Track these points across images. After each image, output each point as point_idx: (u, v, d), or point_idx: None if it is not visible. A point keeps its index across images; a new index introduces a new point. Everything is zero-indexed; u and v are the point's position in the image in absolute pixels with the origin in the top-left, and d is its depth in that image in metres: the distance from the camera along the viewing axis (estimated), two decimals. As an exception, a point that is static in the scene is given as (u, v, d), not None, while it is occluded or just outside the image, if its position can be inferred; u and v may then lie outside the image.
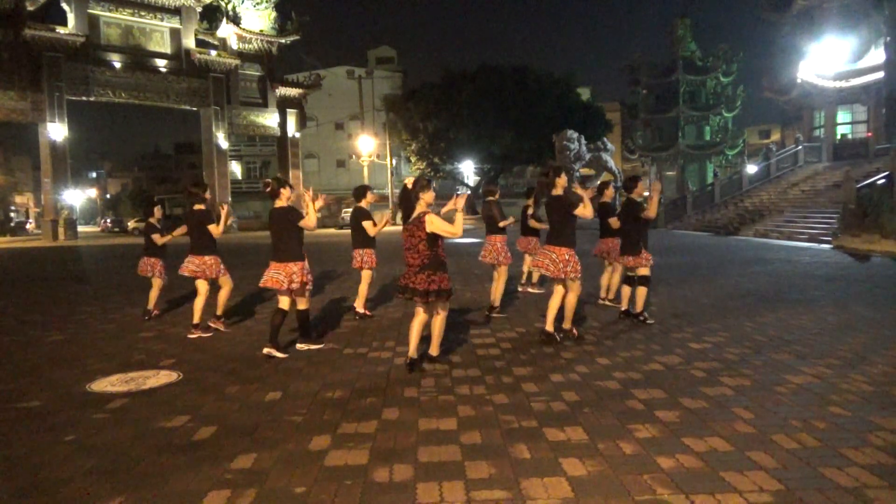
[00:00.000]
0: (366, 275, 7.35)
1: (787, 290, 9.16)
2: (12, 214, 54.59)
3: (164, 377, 4.97)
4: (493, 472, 3.10)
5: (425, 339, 5.18)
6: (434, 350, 5.19)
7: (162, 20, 34.80)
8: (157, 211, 7.84)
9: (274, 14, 39.05)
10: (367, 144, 41.31)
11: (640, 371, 4.90)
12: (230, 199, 37.12)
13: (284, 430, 3.74)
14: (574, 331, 6.00)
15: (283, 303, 5.67)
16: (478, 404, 4.15)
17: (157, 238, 7.48)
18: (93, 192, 75.85)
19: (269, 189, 5.66)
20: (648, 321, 6.75)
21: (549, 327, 5.91)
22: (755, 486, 2.89)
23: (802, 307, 7.70)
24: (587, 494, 2.85)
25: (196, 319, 6.54)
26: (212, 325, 6.74)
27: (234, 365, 5.33)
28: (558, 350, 5.63)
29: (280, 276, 5.52)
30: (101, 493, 2.96)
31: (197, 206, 6.57)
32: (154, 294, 7.62)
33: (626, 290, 6.94)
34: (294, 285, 5.54)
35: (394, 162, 46.70)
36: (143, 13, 34.16)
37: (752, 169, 31.48)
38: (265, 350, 5.54)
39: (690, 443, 3.42)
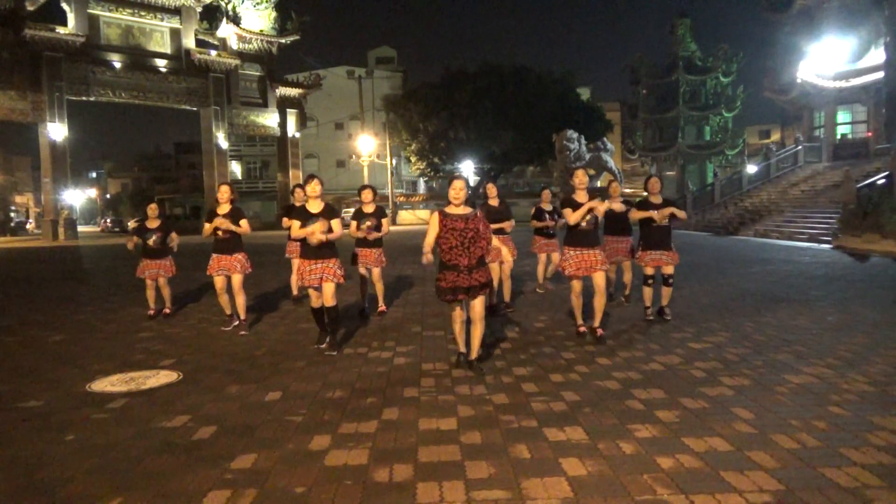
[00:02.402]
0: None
1: (787, 290, 9.16)
2: (12, 214, 54.59)
3: (164, 377, 4.97)
4: (493, 472, 3.10)
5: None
6: (472, 353, 4.98)
7: (162, 20, 34.78)
8: (151, 210, 7.62)
9: (274, 14, 39.02)
10: (367, 144, 41.31)
11: (640, 371, 4.90)
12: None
13: (284, 430, 3.74)
14: (599, 331, 5.91)
15: (325, 294, 5.64)
16: (478, 404, 4.15)
17: (151, 243, 7.45)
18: (93, 192, 75.91)
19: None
20: (648, 317, 6.92)
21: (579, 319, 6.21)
22: (755, 486, 2.89)
23: (802, 307, 7.70)
24: (587, 494, 2.85)
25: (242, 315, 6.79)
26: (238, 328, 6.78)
27: (234, 365, 5.33)
28: (558, 350, 5.64)
29: None
30: (101, 493, 2.96)
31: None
32: (166, 293, 7.68)
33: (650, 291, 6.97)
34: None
35: (394, 162, 46.67)
36: (143, 13, 34.13)
37: (752, 169, 31.48)
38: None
39: (690, 443, 3.42)
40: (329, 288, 5.55)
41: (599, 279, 5.78)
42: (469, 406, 4.11)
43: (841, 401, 4.09)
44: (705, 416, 3.84)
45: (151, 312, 7.63)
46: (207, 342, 6.28)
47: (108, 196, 78.06)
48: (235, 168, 55.44)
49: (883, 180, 18.41)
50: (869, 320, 6.84)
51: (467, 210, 4.84)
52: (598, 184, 31.13)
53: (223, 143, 37.35)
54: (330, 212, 5.60)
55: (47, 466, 3.28)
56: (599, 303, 5.84)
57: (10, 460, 3.38)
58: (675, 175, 44.70)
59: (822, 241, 18.54)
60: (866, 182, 18.81)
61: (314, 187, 5.58)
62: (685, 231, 27.04)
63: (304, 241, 5.52)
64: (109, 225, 54.15)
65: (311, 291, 5.64)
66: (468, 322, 4.97)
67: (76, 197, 45.96)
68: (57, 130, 31.04)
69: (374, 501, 2.83)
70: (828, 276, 10.99)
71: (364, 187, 7.50)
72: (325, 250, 5.50)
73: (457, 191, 4.78)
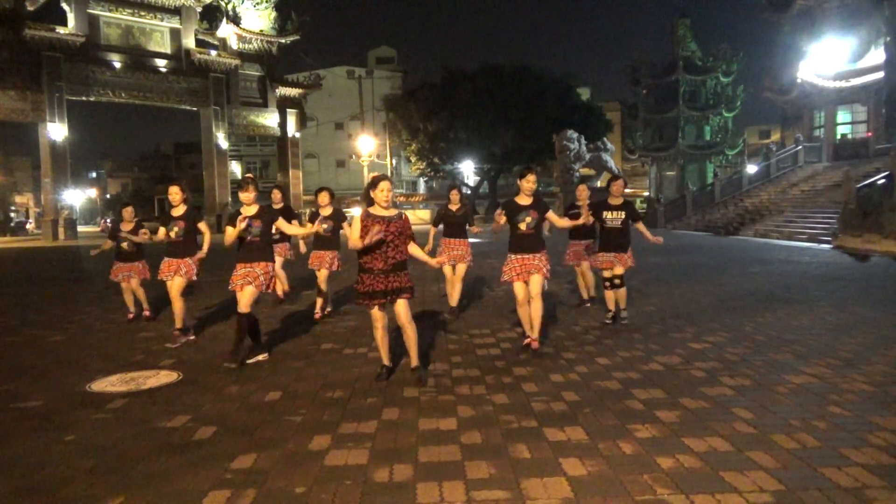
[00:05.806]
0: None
1: (787, 290, 9.16)
2: (12, 214, 54.54)
3: (164, 377, 4.97)
4: (493, 472, 3.10)
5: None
6: (412, 360, 4.83)
7: (162, 20, 34.76)
8: (127, 212, 7.42)
9: (274, 14, 38.98)
10: (367, 144, 41.27)
11: (640, 371, 4.90)
12: (230, 199, 37.11)
13: (284, 430, 3.74)
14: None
15: (240, 299, 5.32)
16: (478, 404, 4.15)
17: (125, 246, 7.39)
18: (93, 192, 75.77)
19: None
20: (606, 320, 6.78)
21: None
22: (755, 486, 2.89)
23: (802, 307, 7.70)
24: (587, 494, 2.85)
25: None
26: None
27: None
28: (558, 350, 5.64)
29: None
30: (101, 493, 2.96)
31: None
32: (140, 295, 7.50)
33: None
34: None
35: (394, 162, 46.72)
36: (143, 13, 34.10)
37: (752, 169, 31.52)
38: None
39: (690, 443, 3.42)
40: (246, 292, 5.22)
41: (534, 283, 5.34)
42: (469, 406, 4.11)
43: (841, 401, 4.09)
44: (705, 416, 3.84)
45: (131, 316, 7.50)
46: (207, 342, 6.27)
47: (108, 196, 77.95)
48: (235, 168, 55.44)
49: (883, 180, 18.40)
50: (869, 320, 6.84)
51: (392, 213, 4.63)
52: (599, 184, 31.13)
53: (223, 143, 37.33)
54: (266, 214, 5.45)
55: (47, 466, 3.28)
56: (535, 309, 5.37)
57: (10, 460, 3.38)
58: (675, 175, 44.69)
59: (822, 241, 18.54)
60: (866, 182, 18.81)
61: (247, 195, 5.34)
62: (685, 231, 27.04)
63: (241, 242, 5.34)
64: (109, 225, 54.17)
65: (237, 295, 5.31)
66: (393, 330, 4.74)
67: (76, 197, 45.91)
68: (57, 130, 31.03)
69: (374, 501, 2.83)
70: (828, 276, 10.99)
71: (321, 189, 7.32)
72: (255, 254, 5.33)
73: (385, 192, 4.56)
